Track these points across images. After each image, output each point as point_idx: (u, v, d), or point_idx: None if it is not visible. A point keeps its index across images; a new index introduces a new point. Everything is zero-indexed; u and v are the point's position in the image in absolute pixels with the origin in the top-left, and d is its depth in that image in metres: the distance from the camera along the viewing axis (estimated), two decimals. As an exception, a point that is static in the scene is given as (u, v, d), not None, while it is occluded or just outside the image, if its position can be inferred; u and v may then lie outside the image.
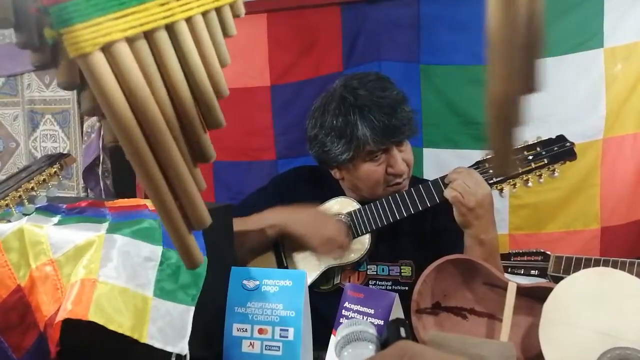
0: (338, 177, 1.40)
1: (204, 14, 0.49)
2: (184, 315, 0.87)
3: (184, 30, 0.47)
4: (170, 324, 0.85)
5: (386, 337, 0.91)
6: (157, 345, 0.82)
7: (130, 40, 0.44)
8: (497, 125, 0.45)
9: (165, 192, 0.46)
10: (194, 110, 0.48)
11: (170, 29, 0.46)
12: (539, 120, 1.75)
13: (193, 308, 0.88)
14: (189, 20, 0.48)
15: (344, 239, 1.31)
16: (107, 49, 0.42)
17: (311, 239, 1.31)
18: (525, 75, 0.44)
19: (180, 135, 0.47)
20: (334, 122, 1.30)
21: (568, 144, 1.24)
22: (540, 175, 1.24)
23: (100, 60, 0.42)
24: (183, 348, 0.85)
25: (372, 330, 0.92)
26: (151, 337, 0.82)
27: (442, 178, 1.27)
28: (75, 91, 1.80)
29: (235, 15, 0.53)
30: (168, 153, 0.45)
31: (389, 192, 1.34)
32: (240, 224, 1.18)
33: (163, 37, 0.46)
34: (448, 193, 1.22)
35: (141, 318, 0.82)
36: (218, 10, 0.51)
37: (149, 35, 0.45)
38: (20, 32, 0.43)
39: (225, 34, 0.52)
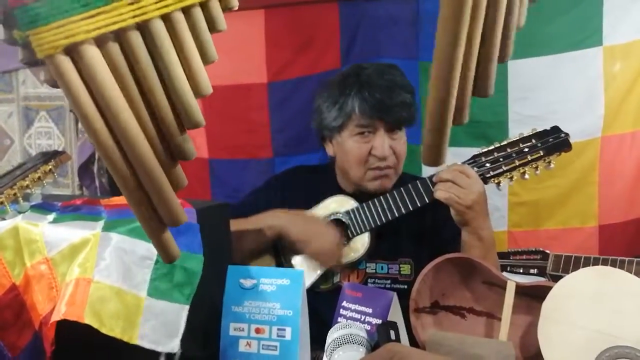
0: (331, 153, 1.43)
1: (186, 10, 0.48)
2: (177, 314, 0.86)
3: (159, 28, 0.46)
4: (163, 323, 0.84)
5: (376, 340, 0.91)
6: (147, 345, 0.82)
7: (98, 41, 0.43)
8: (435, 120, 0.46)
9: (134, 190, 0.46)
10: (168, 109, 0.47)
11: (143, 27, 0.46)
12: (538, 118, 1.75)
13: (187, 307, 0.87)
14: (166, 17, 0.47)
15: (338, 251, 1.31)
16: (72, 50, 0.42)
17: (306, 247, 1.31)
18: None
19: (155, 135, 0.47)
20: (333, 90, 1.36)
21: (562, 134, 1.24)
22: (536, 167, 1.24)
23: (64, 62, 0.42)
24: (174, 347, 0.84)
25: (363, 333, 0.92)
26: (141, 337, 0.81)
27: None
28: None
29: (227, 9, 0.51)
30: (138, 152, 0.45)
31: (370, 176, 1.34)
32: (238, 225, 1.17)
33: (134, 37, 0.45)
34: (440, 195, 1.22)
35: (133, 319, 0.81)
36: (203, 5, 0.49)
37: (120, 35, 0.45)
38: (7, 29, 0.43)
39: (214, 29, 0.50)
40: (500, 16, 0.44)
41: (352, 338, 0.89)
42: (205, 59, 0.50)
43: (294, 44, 2.00)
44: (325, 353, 0.90)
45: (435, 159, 0.46)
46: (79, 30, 0.42)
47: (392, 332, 0.90)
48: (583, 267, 1.34)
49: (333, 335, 0.91)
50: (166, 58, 0.47)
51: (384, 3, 1.89)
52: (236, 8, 0.52)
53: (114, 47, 0.44)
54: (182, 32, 0.48)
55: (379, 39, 1.92)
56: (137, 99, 0.46)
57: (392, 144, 1.32)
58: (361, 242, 1.33)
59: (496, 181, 1.25)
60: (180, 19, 0.48)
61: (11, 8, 0.41)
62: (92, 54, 0.43)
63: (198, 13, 0.49)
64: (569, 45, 1.74)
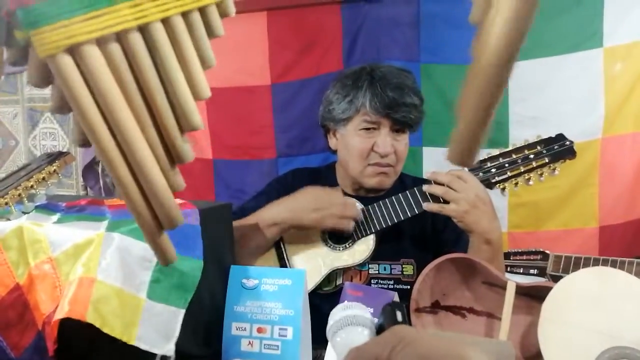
0: (333, 146, 1.44)
1: (185, 14, 0.49)
2: (173, 317, 0.86)
3: (159, 31, 0.47)
4: (159, 326, 0.84)
5: (381, 322, 0.86)
6: (144, 347, 0.81)
7: (100, 42, 0.44)
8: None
9: (133, 191, 0.46)
10: (169, 112, 0.48)
11: (144, 30, 0.46)
12: (538, 119, 1.76)
13: (183, 311, 0.87)
14: (165, 21, 0.47)
15: (351, 207, 1.30)
16: (74, 50, 0.43)
17: (323, 222, 1.29)
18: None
19: (156, 137, 0.47)
20: (346, 82, 1.38)
21: (568, 142, 1.26)
22: (541, 174, 1.26)
23: (66, 62, 0.43)
24: (169, 350, 0.84)
25: (368, 315, 0.87)
26: (139, 339, 0.81)
27: None
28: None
29: (224, 15, 0.52)
30: (137, 154, 0.45)
31: (370, 172, 1.35)
32: (237, 227, 1.16)
33: (135, 39, 0.46)
34: (427, 206, 1.23)
35: (132, 319, 0.82)
36: (202, 10, 0.50)
37: (121, 37, 0.45)
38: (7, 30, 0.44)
39: (212, 34, 0.51)
40: None
41: (355, 319, 0.84)
42: (204, 63, 0.50)
43: (296, 46, 2.01)
44: (327, 335, 0.89)
45: (467, 162, 0.48)
46: (81, 31, 0.43)
47: (398, 314, 0.83)
48: (583, 267, 1.34)
49: (335, 316, 0.86)
50: (166, 61, 0.47)
51: (386, 5, 1.90)
52: (233, 15, 0.52)
53: (116, 49, 0.45)
54: (181, 36, 0.48)
55: (380, 41, 1.93)
56: (137, 100, 0.46)
57: (394, 143, 1.33)
58: (366, 245, 1.32)
59: (501, 186, 1.27)
60: (179, 23, 0.48)
61: (12, 10, 0.42)
62: (94, 54, 0.44)
63: (197, 18, 0.49)
64: (570, 46, 1.75)
